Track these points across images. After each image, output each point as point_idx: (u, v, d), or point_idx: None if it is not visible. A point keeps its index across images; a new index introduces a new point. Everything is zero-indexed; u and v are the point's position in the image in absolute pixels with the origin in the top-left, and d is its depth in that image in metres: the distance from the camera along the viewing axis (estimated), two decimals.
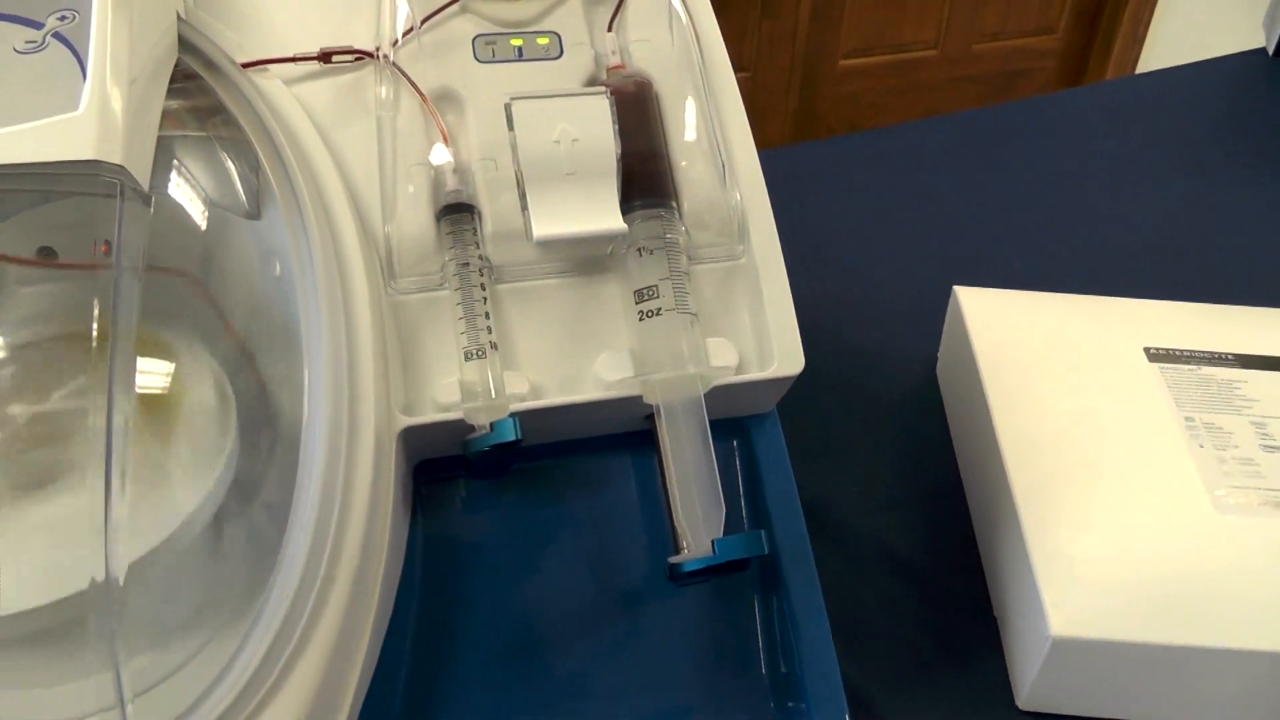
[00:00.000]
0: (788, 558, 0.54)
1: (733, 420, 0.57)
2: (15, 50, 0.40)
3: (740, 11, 1.96)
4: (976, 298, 0.72)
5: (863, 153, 0.98)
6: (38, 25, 0.41)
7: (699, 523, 0.49)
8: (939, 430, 0.73)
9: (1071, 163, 0.96)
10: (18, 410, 0.46)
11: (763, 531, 0.49)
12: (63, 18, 0.41)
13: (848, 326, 0.79)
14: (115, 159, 0.39)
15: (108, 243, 0.42)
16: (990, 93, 2.28)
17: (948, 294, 0.74)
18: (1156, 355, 0.67)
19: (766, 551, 0.49)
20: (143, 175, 0.41)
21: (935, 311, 0.76)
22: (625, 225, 0.50)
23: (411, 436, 0.50)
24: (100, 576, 0.39)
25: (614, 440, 0.56)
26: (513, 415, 0.48)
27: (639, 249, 0.52)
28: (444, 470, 0.55)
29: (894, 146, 0.98)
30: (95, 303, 0.41)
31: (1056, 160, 0.95)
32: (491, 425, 0.48)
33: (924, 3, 2.11)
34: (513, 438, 0.48)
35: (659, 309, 0.51)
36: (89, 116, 0.38)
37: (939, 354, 0.76)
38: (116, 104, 0.39)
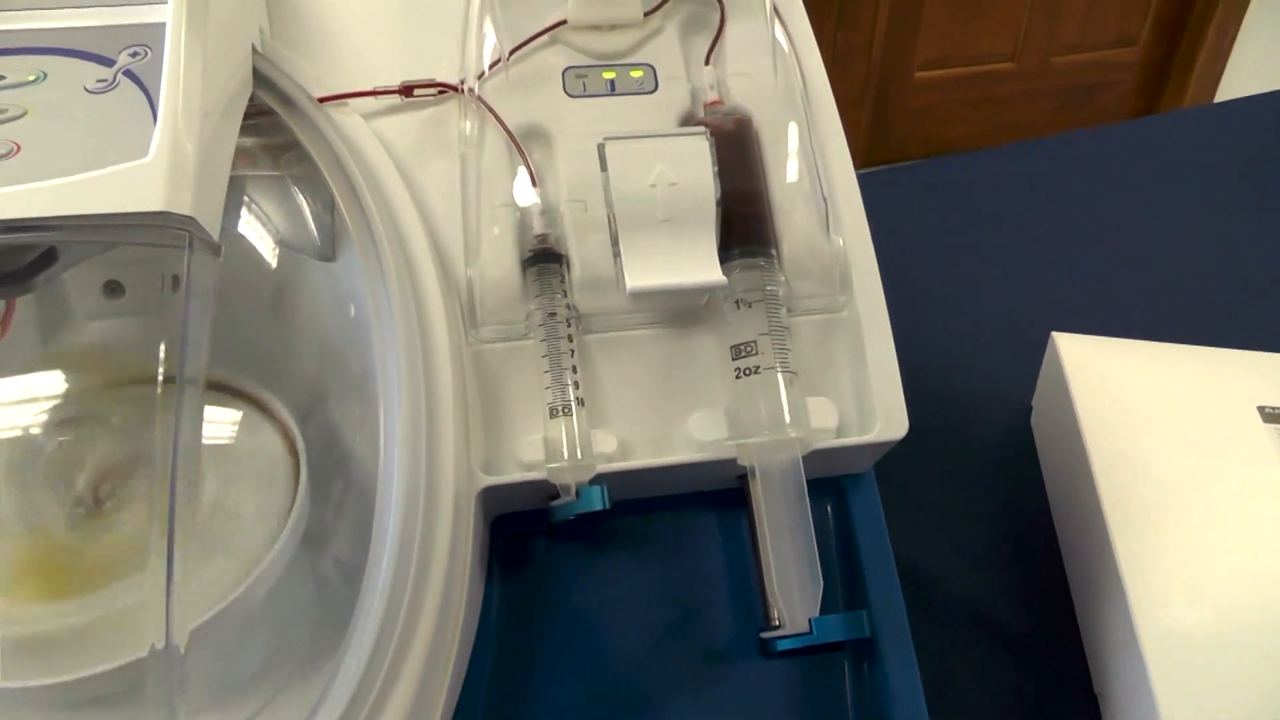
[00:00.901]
0: (883, 629, 0.51)
1: (826, 479, 0.54)
2: (86, 90, 0.37)
3: (815, 22, 1.92)
4: (1076, 345, 0.68)
5: (947, 180, 0.94)
6: (109, 63, 0.38)
7: (794, 598, 0.46)
8: (1033, 484, 0.69)
9: (1174, 194, 0.91)
10: (79, 459, 0.43)
11: (864, 612, 0.45)
12: (134, 54, 0.38)
13: (933, 370, 0.75)
14: (184, 210, 0.36)
15: (176, 277, 0.39)
16: (1067, 107, 2.22)
17: (1042, 337, 0.70)
18: (1272, 415, 0.62)
19: (868, 634, 0.45)
20: (213, 225, 0.38)
21: (1028, 356, 0.72)
22: (725, 278, 0.47)
23: (491, 495, 0.47)
24: (160, 644, 0.37)
25: (701, 498, 0.53)
26: (601, 484, 0.45)
27: (737, 301, 0.48)
28: (523, 525, 0.52)
29: (980, 173, 0.94)
30: (161, 353, 0.38)
31: (1158, 191, 0.90)
32: (578, 492, 0.45)
33: (1002, 13, 2.05)
34: (600, 508, 0.45)
35: (757, 366, 0.47)
36: (158, 165, 0.35)
37: (1033, 402, 0.72)
38: (187, 150, 0.36)
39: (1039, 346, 0.70)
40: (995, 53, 2.12)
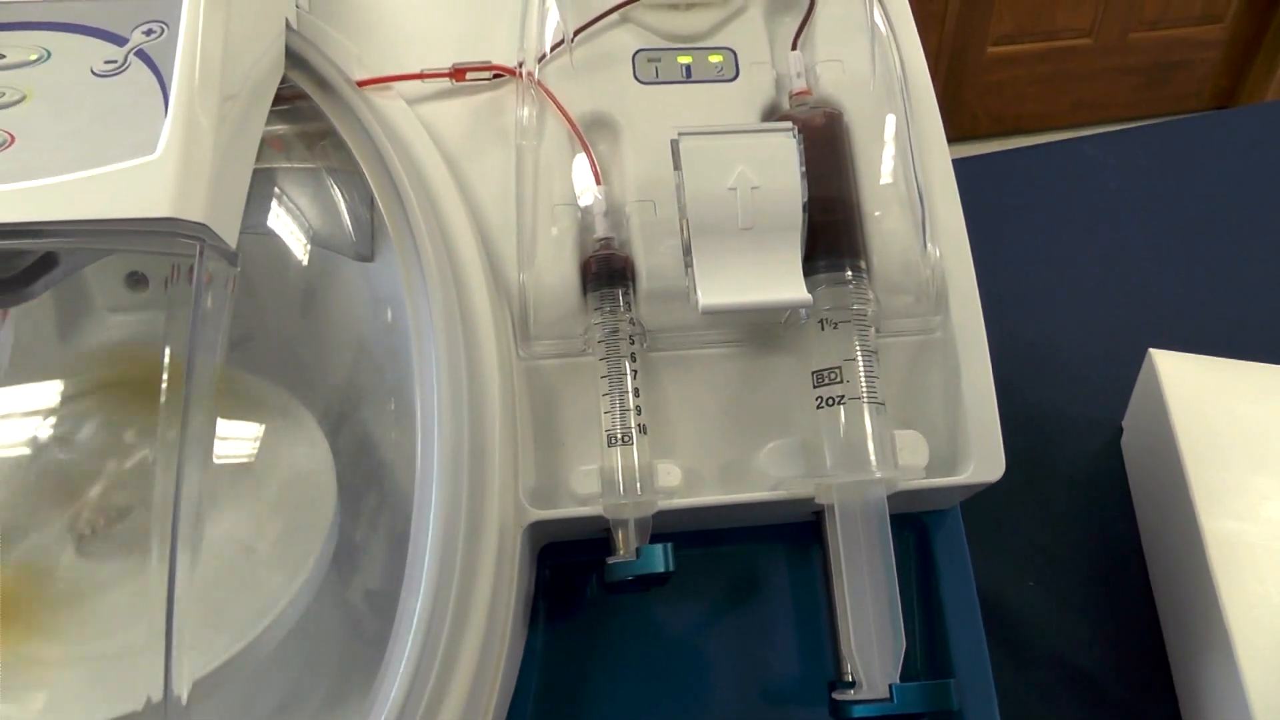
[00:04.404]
0: (966, 685, 0.47)
1: (908, 514, 0.49)
2: (93, 72, 0.33)
3: None
4: (1177, 365, 0.62)
5: (1029, 168, 0.87)
6: (121, 41, 0.33)
7: (873, 659, 0.41)
8: (1123, 512, 0.63)
9: None
10: (79, 480, 0.39)
11: (952, 683, 0.40)
12: (149, 32, 0.33)
13: (1013, 383, 0.69)
14: (195, 216, 0.31)
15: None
16: (1145, 85, 2.13)
17: (1136, 352, 0.64)
18: None
19: (956, 708, 0.40)
20: (229, 231, 0.33)
21: (1120, 372, 0.66)
22: (810, 296, 0.41)
23: (540, 528, 0.43)
24: (157, 696, 0.33)
25: (771, 530, 0.49)
26: (665, 544, 0.41)
27: (821, 320, 0.43)
28: (574, 554, 0.47)
29: (1066, 163, 0.87)
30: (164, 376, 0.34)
31: (1277, 189, 0.83)
32: (638, 550, 0.40)
33: None
34: (662, 569, 0.40)
35: (841, 396, 0.42)
36: (166, 164, 0.30)
37: (1124, 423, 0.66)
38: (201, 147, 0.31)
39: (1132, 362, 0.64)
40: (1072, 27, 2.02)
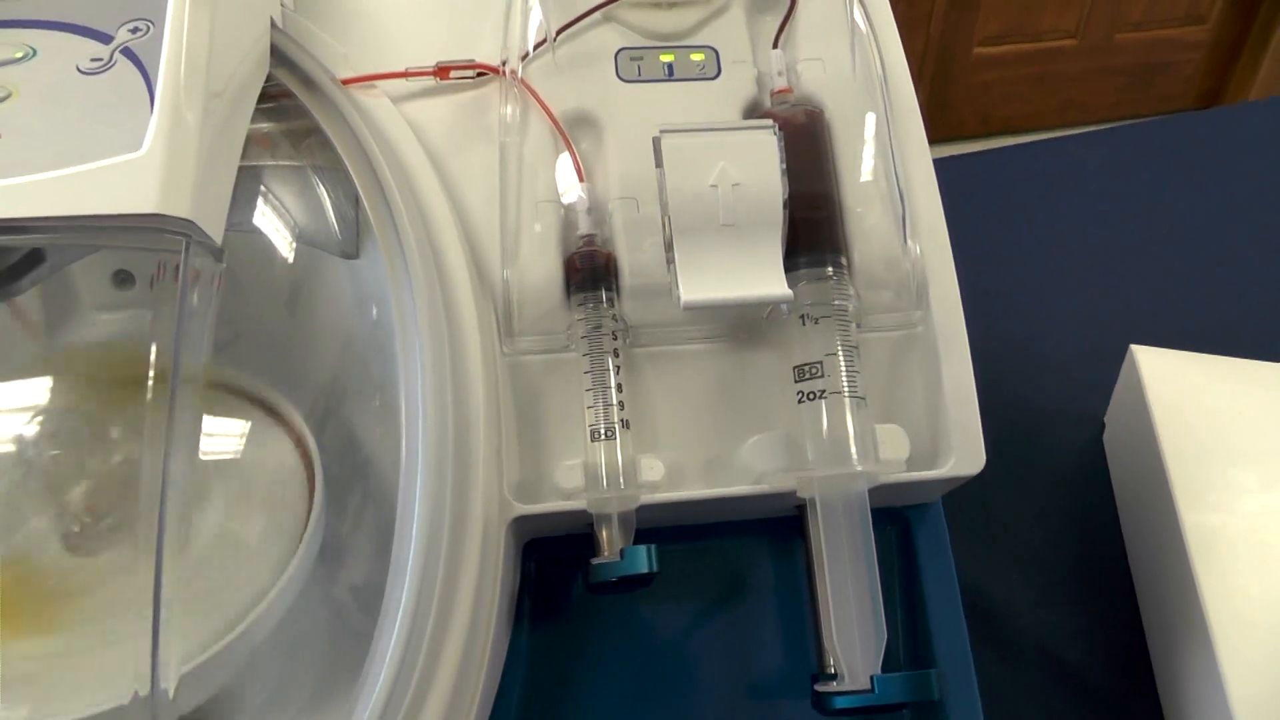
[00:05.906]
0: (947, 675, 0.47)
1: (890, 508, 0.49)
2: (79, 70, 0.33)
3: None
4: (1157, 361, 0.62)
5: (1015, 167, 0.88)
6: (106, 39, 0.33)
7: (855, 651, 0.41)
8: (1105, 506, 0.64)
9: (1271, 192, 0.84)
10: (67, 477, 0.39)
11: (933, 672, 0.41)
12: (135, 30, 0.33)
13: (997, 379, 0.69)
14: (181, 212, 0.31)
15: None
16: (1131, 85, 2.14)
17: (1117, 348, 0.64)
18: None
19: (938, 698, 0.41)
20: (214, 226, 0.34)
21: (1102, 367, 0.67)
22: (791, 292, 0.42)
23: (525, 523, 0.43)
24: (144, 690, 0.33)
25: (754, 524, 0.49)
26: (649, 545, 0.41)
27: (802, 316, 0.43)
28: (559, 549, 0.48)
29: (1049, 162, 0.88)
30: (150, 371, 0.34)
31: (1252, 187, 0.84)
32: (622, 552, 0.41)
33: None
34: (646, 570, 0.40)
35: (822, 390, 0.42)
36: (152, 160, 0.31)
37: (1106, 419, 0.67)
38: (186, 143, 0.32)
39: (1114, 358, 0.65)
40: (1058, 28, 2.03)
